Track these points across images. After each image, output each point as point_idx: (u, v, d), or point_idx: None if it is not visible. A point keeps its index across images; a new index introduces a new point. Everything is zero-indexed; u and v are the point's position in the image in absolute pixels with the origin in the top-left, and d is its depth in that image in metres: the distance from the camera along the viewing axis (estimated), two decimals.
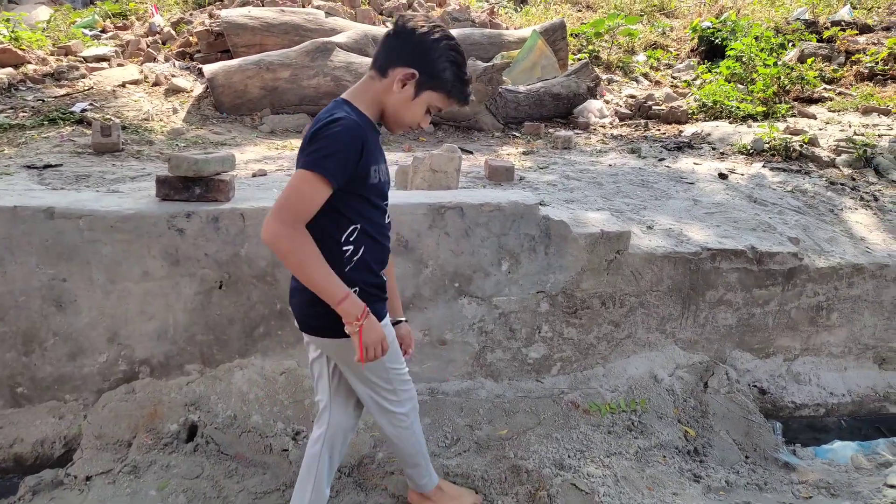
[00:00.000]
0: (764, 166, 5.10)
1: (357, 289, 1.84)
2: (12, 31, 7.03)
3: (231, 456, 2.55)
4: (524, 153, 5.37)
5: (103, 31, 8.30)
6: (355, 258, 1.84)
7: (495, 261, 2.98)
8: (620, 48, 9.39)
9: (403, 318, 2.23)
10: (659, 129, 6.58)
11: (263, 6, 7.74)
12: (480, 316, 3.03)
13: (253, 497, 2.38)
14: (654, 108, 7.07)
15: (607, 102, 7.37)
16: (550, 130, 6.26)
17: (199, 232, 2.69)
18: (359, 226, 1.83)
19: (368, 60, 6.25)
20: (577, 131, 6.39)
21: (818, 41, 8.99)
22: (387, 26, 8.40)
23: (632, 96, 7.69)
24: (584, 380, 3.14)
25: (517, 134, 6.15)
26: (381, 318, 1.93)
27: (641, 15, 11.10)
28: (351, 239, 1.83)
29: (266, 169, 3.98)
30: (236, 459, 2.54)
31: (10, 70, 5.99)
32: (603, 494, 2.48)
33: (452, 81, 1.81)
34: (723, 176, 4.78)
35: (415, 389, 2.18)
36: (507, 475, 2.57)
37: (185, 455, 2.52)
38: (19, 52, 6.30)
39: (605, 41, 9.33)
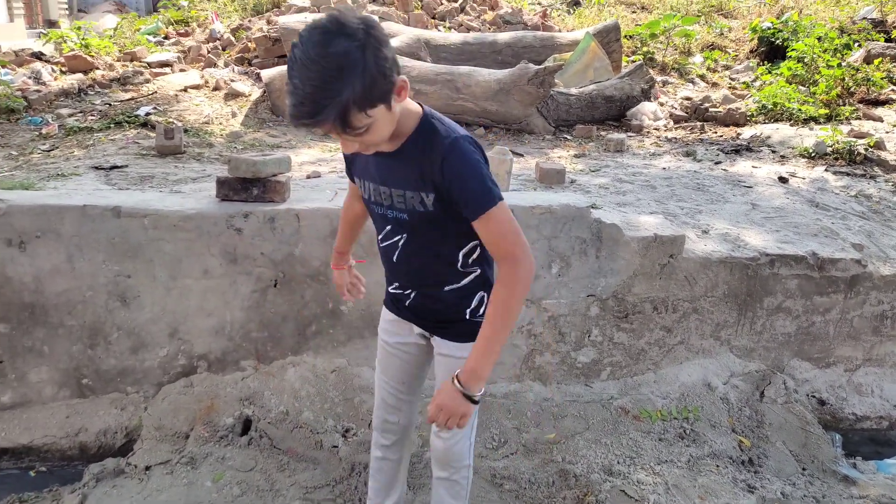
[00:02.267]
0: (826, 170, 4.92)
1: None
2: (83, 39, 7.37)
3: (283, 450, 2.61)
4: (576, 156, 5.32)
5: (166, 37, 8.61)
6: None
7: (545, 263, 2.97)
8: (676, 49, 9.21)
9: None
10: (716, 132, 6.42)
11: (319, 12, 7.89)
12: (529, 318, 3.02)
13: (304, 491, 2.43)
14: (710, 110, 6.90)
15: (662, 105, 7.24)
16: (603, 133, 6.19)
17: (255, 231, 2.77)
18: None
19: (421, 64, 6.31)
20: (630, 134, 6.30)
21: (886, 41, 8.61)
22: (439, 30, 8.47)
23: (687, 98, 7.53)
24: (635, 385, 3.09)
25: (568, 137, 6.10)
26: (383, 324, 1.97)
27: (698, 15, 10.85)
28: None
29: (319, 171, 4.06)
30: (288, 454, 2.59)
31: (80, 76, 6.27)
32: (653, 502, 2.44)
33: None
34: (783, 180, 4.64)
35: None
36: (554, 479, 2.56)
37: (239, 448, 2.59)
38: (89, 58, 6.59)
39: (661, 42, 9.16)
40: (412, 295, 1.79)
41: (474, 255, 1.70)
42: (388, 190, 1.62)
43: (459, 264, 1.69)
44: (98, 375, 2.83)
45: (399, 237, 1.68)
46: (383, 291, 1.93)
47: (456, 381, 1.54)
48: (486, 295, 1.74)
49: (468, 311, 1.74)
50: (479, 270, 1.73)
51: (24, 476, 2.66)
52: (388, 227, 1.70)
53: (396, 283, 1.82)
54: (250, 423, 2.72)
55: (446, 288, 1.72)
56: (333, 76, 1.31)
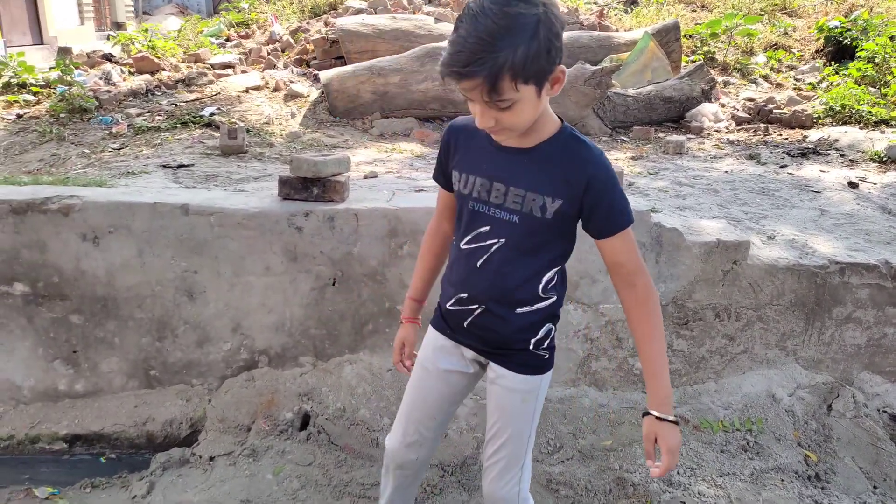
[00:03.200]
0: None
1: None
2: (149, 41, 7.64)
3: (340, 447, 2.65)
4: (633, 158, 5.23)
5: (228, 39, 8.85)
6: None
7: (603, 268, 2.91)
8: (738, 49, 8.95)
9: (648, 411, 1.56)
10: (780, 134, 6.22)
11: (376, 14, 7.98)
12: (586, 323, 2.98)
13: (361, 488, 2.46)
14: (774, 111, 6.69)
15: (723, 106, 7.05)
16: (661, 135, 6.07)
17: (315, 230, 2.82)
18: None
19: None
20: (689, 136, 6.16)
21: None
22: None
23: (750, 99, 7.32)
24: (695, 395, 3.02)
25: (625, 139, 6.01)
26: (427, 345, 1.79)
27: (761, 14, 10.53)
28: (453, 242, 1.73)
29: (376, 171, 4.10)
30: (345, 450, 2.63)
31: (147, 76, 6.50)
32: None
33: None
34: (853, 185, 4.46)
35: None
36: (611, 487, 2.52)
37: (298, 443, 2.64)
38: (155, 59, 6.83)
39: (722, 42, 8.92)
40: (477, 311, 1.63)
41: (554, 282, 1.62)
42: (505, 187, 1.52)
43: (541, 287, 1.60)
44: (165, 367, 2.93)
45: (495, 241, 1.56)
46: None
47: (656, 416, 1.49)
48: (553, 328, 1.68)
49: (534, 340, 1.64)
50: (555, 297, 1.64)
51: (96, 462, 2.77)
52: (486, 229, 1.57)
53: (464, 295, 1.64)
54: (309, 419, 2.77)
55: (519, 310, 1.61)
56: (500, 34, 1.27)
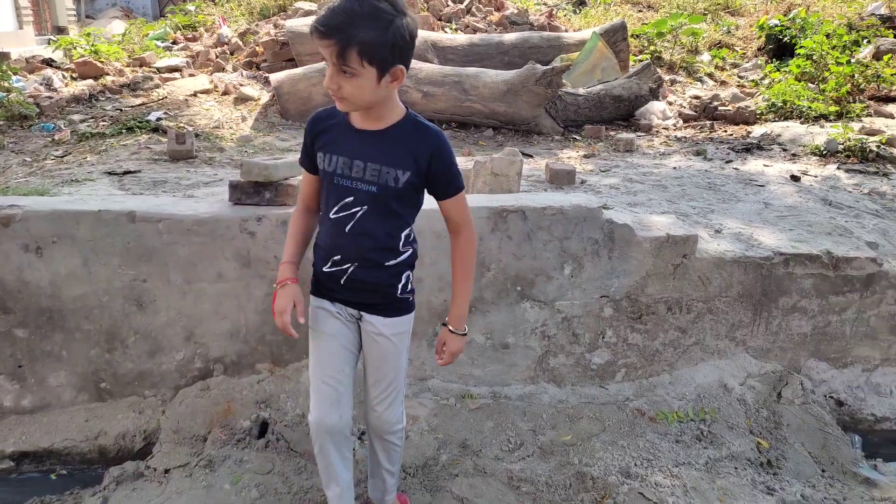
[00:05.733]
0: (838, 168, 4.90)
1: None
2: (92, 45, 7.42)
3: (300, 453, 2.61)
4: (585, 156, 5.31)
5: (174, 42, 8.65)
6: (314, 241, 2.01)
7: (558, 265, 2.96)
8: (684, 48, 9.19)
9: (446, 322, 2.02)
10: (725, 131, 6.41)
11: None
12: (543, 320, 3.01)
13: (321, 494, 2.43)
14: (720, 108, 6.88)
15: (670, 104, 7.23)
16: (611, 133, 6.18)
17: (269, 235, 2.77)
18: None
19: (428, 66, 6.31)
20: (639, 133, 6.29)
21: (895, 37, 8.57)
22: (446, 32, 8.47)
23: (696, 97, 7.51)
24: (650, 387, 3.08)
25: (577, 137, 6.10)
26: (314, 312, 2.00)
27: (705, 14, 10.83)
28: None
29: None
30: (305, 457, 2.60)
31: (90, 81, 6.32)
32: None
33: None
34: (795, 178, 4.62)
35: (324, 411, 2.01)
36: (571, 482, 2.55)
37: (257, 451, 2.60)
38: (98, 64, 6.64)
39: (668, 41, 9.14)
40: (350, 269, 1.89)
41: (410, 238, 1.94)
42: (364, 164, 1.82)
43: (401, 243, 1.91)
44: (116, 379, 2.84)
45: (359, 208, 1.84)
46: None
47: (450, 328, 1.98)
48: (411, 275, 1.99)
49: (399, 286, 1.94)
50: (410, 250, 1.95)
51: (45, 479, 2.68)
52: (350, 199, 1.84)
53: (338, 257, 1.89)
54: (267, 426, 2.72)
55: (387, 263, 1.90)
56: (362, 16, 1.59)
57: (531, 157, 5.18)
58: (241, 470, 2.51)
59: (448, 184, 1.87)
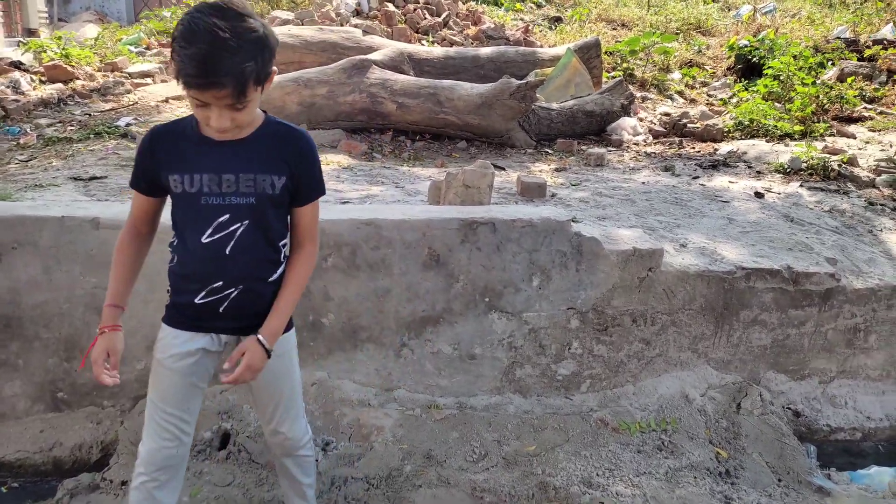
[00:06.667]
0: (801, 186, 5.02)
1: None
2: (63, 49, 7.32)
3: (262, 465, 2.59)
4: (556, 170, 5.37)
5: (148, 48, 8.58)
6: (169, 266, 1.84)
7: (526, 276, 2.99)
8: (655, 66, 9.36)
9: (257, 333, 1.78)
10: (694, 147, 6.53)
11: (303, 24, 7.92)
12: (510, 331, 3.03)
13: None
14: (688, 125, 7.02)
15: (641, 120, 7.35)
16: (583, 148, 6.26)
17: None
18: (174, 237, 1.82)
19: (404, 77, 6.35)
20: (610, 149, 6.38)
21: (859, 60, 8.84)
22: (423, 44, 8.52)
23: (666, 114, 7.65)
24: (614, 398, 3.12)
25: (549, 151, 6.17)
26: (173, 345, 1.79)
27: (677, 33, 11.06)
28: (173, 244, 1.84)
29: None
30: (267, 468, 2.57)
31: (59, 85, 6.23)
32: None
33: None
34: (759, 195, 4.72)
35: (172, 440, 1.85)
36: (534, 492, 2.56)
37: (217, 462, 2.57)
38: (69, 68, 6.55)
39: (640, 59, 9.31)
40: (233, 294, 1.74)
41: (286, 249, 1.83)
42: (234, 176, 1.68)
43: (282, 255, 1.81)
44: (73, 389, 2.79)
45: (239, 225, 1.71)
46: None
47: (259, 339, 1.73)
48: None
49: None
50: (285, 263, 1.84)
51: None
52: (226, 217, 1.69)
53: (218, 283, 1.73)
54: (229, 437, 2.69)
55: (270, 279, 1.79)
56: (239, 49, 1.48)
57: (503, 169, 5.22)
58: (201, 482, 2.48)
59: (311, 188, 1.78)
